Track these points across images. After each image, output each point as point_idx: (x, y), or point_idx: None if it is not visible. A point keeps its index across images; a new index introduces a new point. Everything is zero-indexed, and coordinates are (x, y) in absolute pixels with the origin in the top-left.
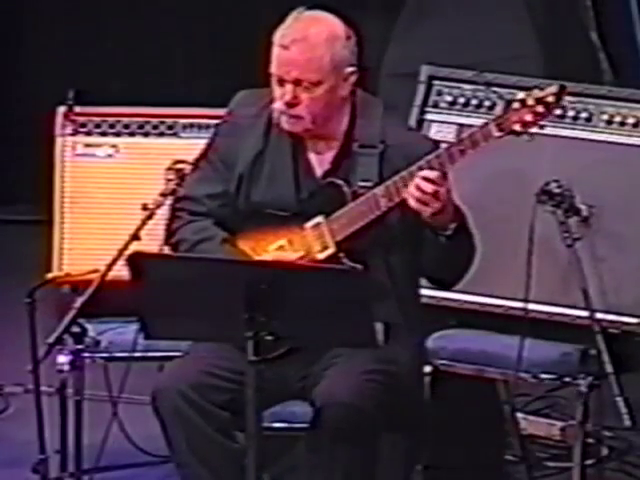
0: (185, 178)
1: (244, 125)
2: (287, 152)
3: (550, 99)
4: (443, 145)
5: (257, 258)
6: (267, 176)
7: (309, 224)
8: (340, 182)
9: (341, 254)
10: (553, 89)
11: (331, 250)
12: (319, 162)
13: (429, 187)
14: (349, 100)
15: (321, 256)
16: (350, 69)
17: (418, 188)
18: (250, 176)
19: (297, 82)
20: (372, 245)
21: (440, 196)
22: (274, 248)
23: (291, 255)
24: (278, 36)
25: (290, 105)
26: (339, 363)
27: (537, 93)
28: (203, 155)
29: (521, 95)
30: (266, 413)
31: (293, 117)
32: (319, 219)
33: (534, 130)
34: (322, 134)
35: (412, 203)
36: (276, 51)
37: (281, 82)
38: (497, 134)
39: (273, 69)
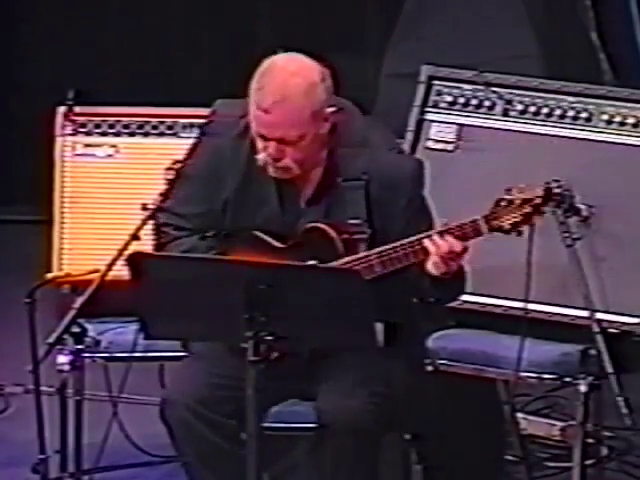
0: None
1: (226, 147)
2: (271, 180)
3: (537, 201)
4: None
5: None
6: (253, 203)
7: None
8: (323, 227)
9: None
10: (539, 192)
11: None
12: (303, 189)
13: (458, 246)
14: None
15: None
16: (329, 110)
17: (448, 248)
18: (236, 201)
19: (280, 140)
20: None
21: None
22: None
23: None
24: (256, 97)
25: (276, 159)
26: (340, 375)
27: (524, 195)
28: (186, 168)
29: (508, 196)
30: (267, 413)
31: (280, 168)
32: (313, 264)
33: (523, 229)
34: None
35: (435, 259)
36: (256, 113)
37: (263, 138)
38: (486, 231)
39: (254, 127)
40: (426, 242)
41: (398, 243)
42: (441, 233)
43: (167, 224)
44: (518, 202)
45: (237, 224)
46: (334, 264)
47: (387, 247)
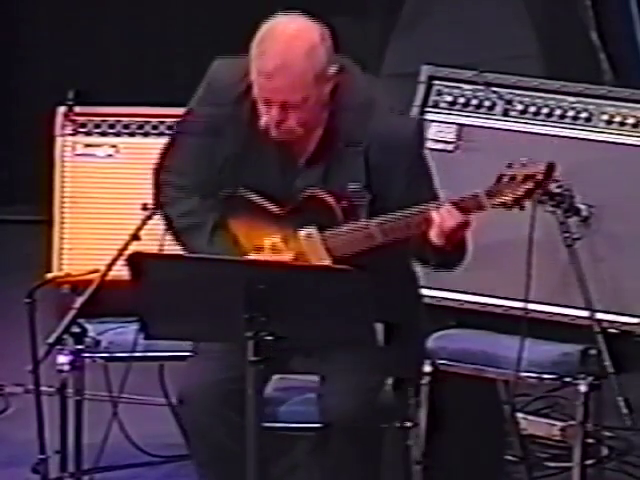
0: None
1: (227, 106)
2: (272, 139)
3: (539, 177)
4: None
5: (252, 250)
6: (254, 161)
7: (302, 232)
8: (322, 195)
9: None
10: (541, 167)
11: (327, 262)
12: (303, 149)
13: (460, 218)
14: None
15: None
16: (331, 70)
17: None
18: (236, 159)
19: (284, 104)
20: (371, 259)
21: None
22: (269, 243)
23: (287, 256)
24: (257, 63)
25: (279, 122)
26: (341, 374)
27: (526, 170)
28: (186, 127)
29: (510, 171)
30: (269, 412)
31: (284, 131)
32: (312, 230)
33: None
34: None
35: (437, 231)
36: (258, 78)
37: (266, 101)
38: (488, 205)
39: (256, 91)
40: (428, 213)
41: (399, 213)
42: (443, 205)
43: (167, 183)
44: (520, 178)
45: (237, 182)
46: (334, 232)
47: (388, 216)
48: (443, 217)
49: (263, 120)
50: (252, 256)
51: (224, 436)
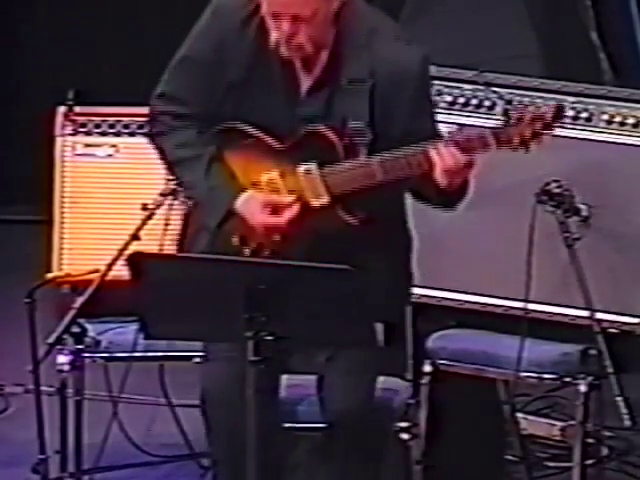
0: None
1: (233, 29)
2: (276, 63)
3: (548, 118)
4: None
5: (249, 185)
6: (258, 86)
7: (301, 168)
8: (324, 131)
9: (337, 205)
10: (551, 110)
11: (325, 200)
12: (307, 73)
13: (463, 158)
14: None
15: (315, 203)
16: None
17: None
18: (240, 83)
19: (294, 18)
20: (369, 198)
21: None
22: (266, 179)
23: (284, 195)
24: None
25: (290, 37)
26: (344, 375)
27: (535, 111)
28: (189, 51)
29: (518, 112)
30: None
31: (293, 47)
32: (311, 166)
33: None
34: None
35: (439, 171)
36: None
37: (276, 16)
38: (494, 145)
39: (266, 7)
40: (431, 152)
41: (402, 151)
42: (447, 144)
43: (165, 112)
44: (528, 118)
45: (239, 110)
46: (335, 169)
47: (390, 154)
48: (445, 157)
49: (273, 36)
50: (249, 191)
51: (243, 434)
